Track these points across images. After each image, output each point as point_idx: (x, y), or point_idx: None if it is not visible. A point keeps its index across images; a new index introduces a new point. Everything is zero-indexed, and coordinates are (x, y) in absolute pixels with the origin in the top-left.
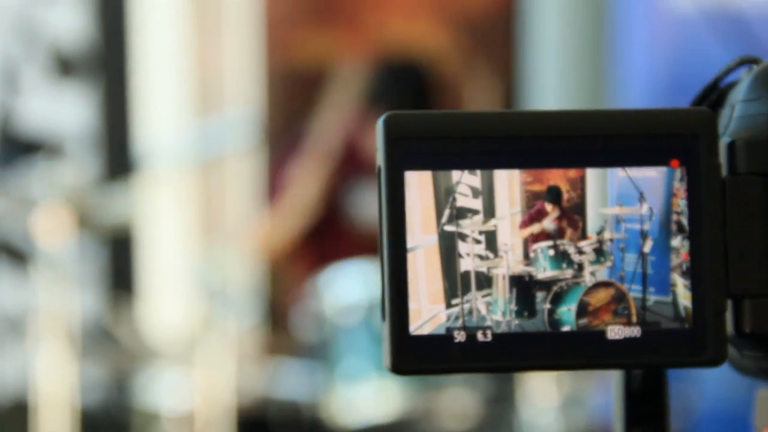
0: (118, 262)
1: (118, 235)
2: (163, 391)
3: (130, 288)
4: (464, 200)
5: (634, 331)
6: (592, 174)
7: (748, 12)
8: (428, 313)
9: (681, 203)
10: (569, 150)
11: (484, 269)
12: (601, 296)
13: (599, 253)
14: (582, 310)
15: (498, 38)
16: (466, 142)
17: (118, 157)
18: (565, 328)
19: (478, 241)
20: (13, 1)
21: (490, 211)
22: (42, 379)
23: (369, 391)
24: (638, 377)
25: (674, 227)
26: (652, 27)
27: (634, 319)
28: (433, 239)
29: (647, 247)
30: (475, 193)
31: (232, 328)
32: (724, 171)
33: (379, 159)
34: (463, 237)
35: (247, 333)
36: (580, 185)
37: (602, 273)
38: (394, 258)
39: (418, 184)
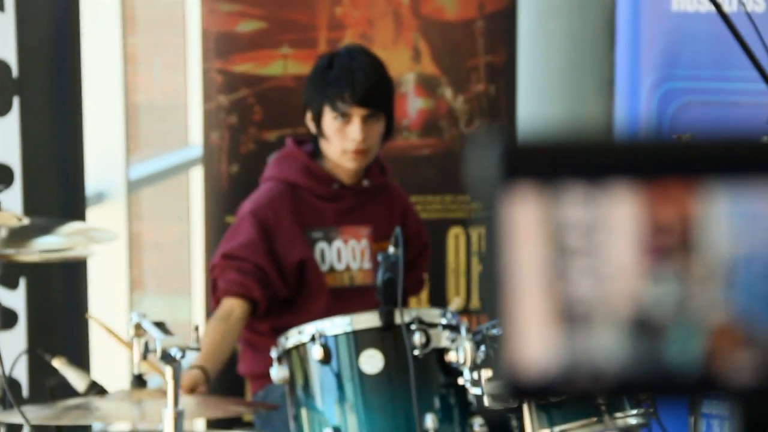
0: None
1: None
2: None
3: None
4: (578, 234)
5: None
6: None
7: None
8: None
9: None
10: (693, 179)
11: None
12: None
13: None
14: None
15: (462, 55)
16: (582, 174)
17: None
18: None
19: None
20: None
21: (602, 246)
22: None
23: None
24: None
25: None
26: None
27: None
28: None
29: None
30: (589, 225)
31: None
32: None
33: (490, 191)
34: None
35: None
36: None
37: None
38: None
39: (530, 215)
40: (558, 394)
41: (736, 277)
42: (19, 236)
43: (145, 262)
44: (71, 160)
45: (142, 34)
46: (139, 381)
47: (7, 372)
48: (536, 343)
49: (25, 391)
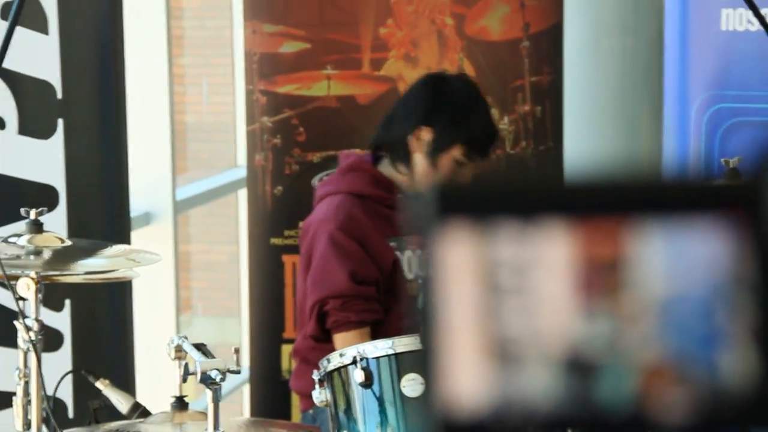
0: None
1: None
2: None
3: None
4: (510, 273)
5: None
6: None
7: None
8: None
9: (746, 267)
10: (624, 219)
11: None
12: None
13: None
14: None
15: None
16: (514, 215)
17: (99, 210)
18: None
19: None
20: None
21: (532, 284)
22: None
23: None
24: None
25: (741, 289)
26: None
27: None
28: (477, 301)
29: (715, 308)
30: (520, 265)
31: None
32: None
33: (424, 232)
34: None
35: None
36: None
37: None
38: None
39: (463, 256)
40: None
41: (668, 316)
42: (64, 258)
43: (194, 283)
44: (116, 181)
45: (190, 55)
46: (180, 403)
47: (51, 393)
48: (468, 381)
49: (70, 413)
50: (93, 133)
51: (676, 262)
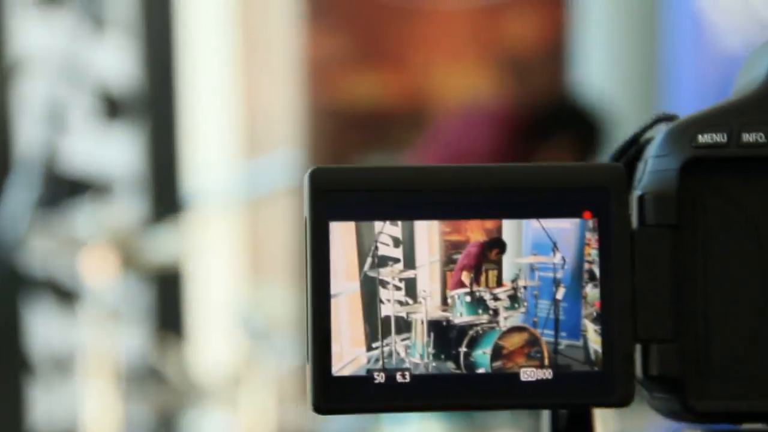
0: (165, 302)
1: (166, 274)
2: (208, 430)
3: (177, 327)
4: (386, 249)
5: (546, 374)
6: (507, 225)
7: None
8: (350, 356)
9: (593, 253)
10: (486, 202)
11: (403, 314)
12: (515, 340)
13: (514, 299)
14: (496, 353)
15: (544, 74)
16: (388, 194)
17: (165, 197)
18: (480, 371)
19: (398, 288)
20: (60, 42)
21: (410, 260)
22: (89, 418)
23: (414, 430)
24: (564, 417)
25: (586, 275)
26: (701, 64)
27: (546, 362)
28: (355, 286)
29: (560, 294)
30: (396, 242)
31: (275, 368)
32: (634, 223)
33: (305, 210)
34: (384, 284)
35: (290, 372)
36: (491, 235)
37: (516, 318)
38: (317, 304)
39: (342, 234)
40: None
41: (522, 295)
42: (128, 246)
43: (263, 268)
44: (174, 170)
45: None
46: None
47: None
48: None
49: None
50: (153, 124)
51: (533, 244)
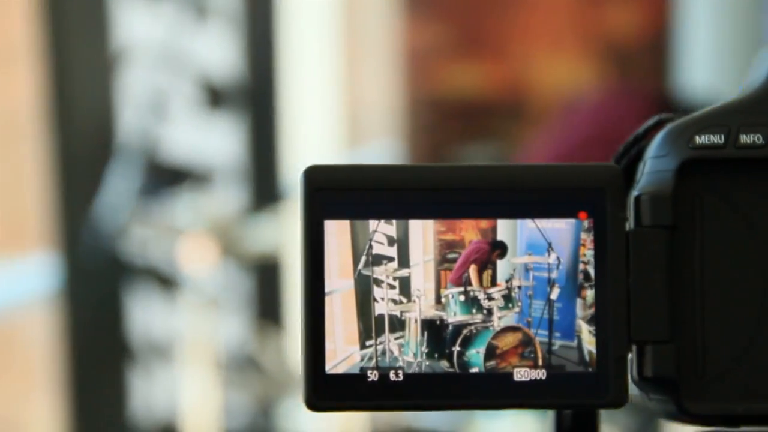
0: (263, 290)
1: (265, 263)
2: (305, 419)
3: (275, 316)
4: (380, 248)
5: (540, 374)
6: (502, 225)
7: None
8: (343, 353)
9: (588, 253)
10: (481, 202)
11: (397, 313)
12: (509, 340)
13: (508, 299)
14: (490, 352)
15: (646, 66)
16: (383, 193)
17: (265, 186)
18: (474, 370)
19: (392, 287)
20: (164, 32)
21: (404, 259)
22: (188, 405)
23: (507, 426)
24: (569, 418)
25: (581, 276)
26: None
27: (540, 362)
28: (350, 284)
29: (554, 294)
30: (391, 241)
31: None
32: (631, 223)
33: (300, 209)
34: (378, 282)
35: None
36: (491, 235)
37: (510, 318)
38: (311, 301)
39: (337, 233)
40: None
41: (517, 296)
42: (228, 234)
43: None
44: (275, 160)
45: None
46: None
47: None
48: (343, 361)
49: None
50: (254, 115)
51: (527, 244)
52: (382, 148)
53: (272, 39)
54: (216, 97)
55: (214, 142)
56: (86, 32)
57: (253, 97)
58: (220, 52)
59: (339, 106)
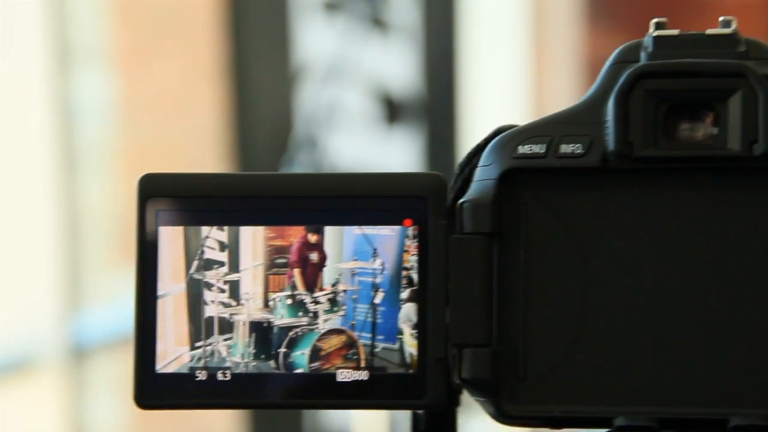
0: None
1: None
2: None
3: None
4: (212, 253)
5: (362, 375)
6: (329, 231)
7: None
8: (174, 354)
9: (411, 259)
10: (308, 209)
11: (226, 315)
12: (333, 342)
13: (333, 303)
14: (315, 354)
15: None
16: (215, 201)
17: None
18: (299, 371)
19: (222, 290)
20: (341, 46)
21: (234, 263)
22: None
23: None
24: (423, 419)
25: (404, 281)
26: None
27: (363, 364)
28: (181, 287)
29: (378, 298)
30: (222, 246)
31: None
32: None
33: (136, 215)
34: (209, 286)
35: None
36: (318, 241)
37: (335, 321)
38: (143, 303)
39: (171, 238)
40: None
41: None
42: None
43: None
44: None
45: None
46: None
47: None
48: (173, 361)
49: None
50: (429, 129)
51: (354, 250)
52: None
53: (452, 51)
54: (394, 110)
55: (392, 155)
56: (268, 50)
57: (431, 110)
58: (398, 65)
59: (523, 120)
